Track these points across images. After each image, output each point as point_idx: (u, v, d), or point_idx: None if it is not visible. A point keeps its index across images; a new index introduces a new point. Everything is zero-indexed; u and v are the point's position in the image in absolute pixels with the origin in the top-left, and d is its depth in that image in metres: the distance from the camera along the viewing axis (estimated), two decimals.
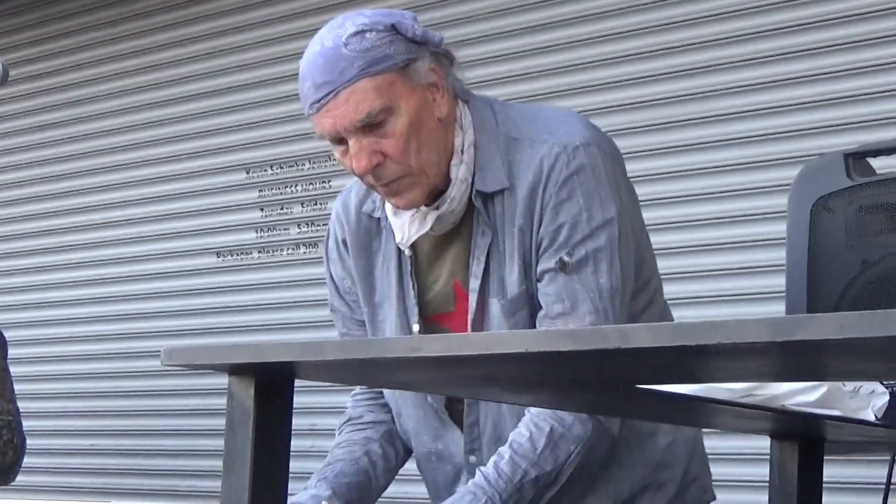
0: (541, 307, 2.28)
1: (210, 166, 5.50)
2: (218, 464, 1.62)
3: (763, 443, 2.25)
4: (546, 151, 2.26)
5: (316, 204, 5.13)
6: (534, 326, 2.27)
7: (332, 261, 2.49)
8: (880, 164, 2.83)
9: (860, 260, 2.68)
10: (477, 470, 2.27)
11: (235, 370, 1.60)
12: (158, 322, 5.54)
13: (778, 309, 3.34)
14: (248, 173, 5.39)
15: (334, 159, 5.12)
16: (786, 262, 2.79)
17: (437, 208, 2.28)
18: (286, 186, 5.27)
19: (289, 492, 1.63)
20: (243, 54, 5.45)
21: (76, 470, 5.71)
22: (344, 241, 2.45)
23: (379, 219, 2.40)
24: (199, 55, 5.59)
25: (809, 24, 4.17)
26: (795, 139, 4.14)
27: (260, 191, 5.35)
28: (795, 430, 2.11)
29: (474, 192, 2.28)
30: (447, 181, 2.28)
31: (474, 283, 2.30)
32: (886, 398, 1.99)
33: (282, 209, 5.28)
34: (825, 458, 2.19)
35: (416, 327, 2.36)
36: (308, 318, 5.06)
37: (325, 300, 5.34)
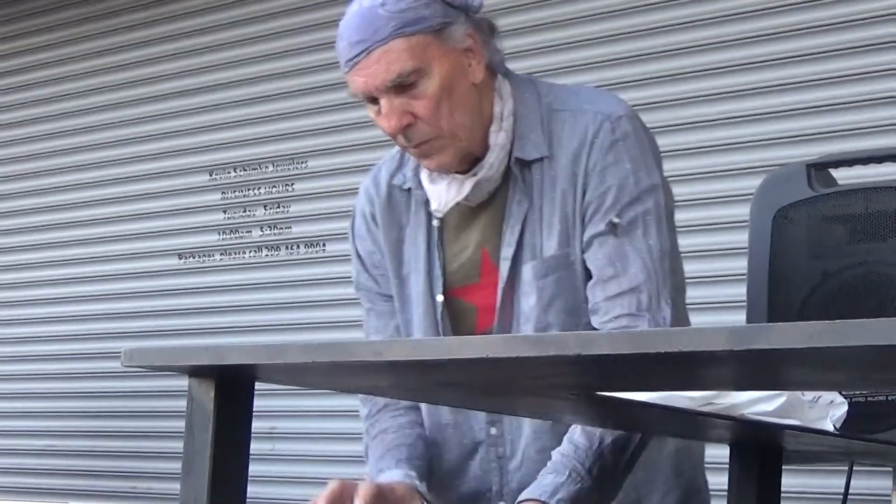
0: (590, 275, 2.28)
1: (173, 168, 5.48)
2: (177, 466, 1.61)
3: (722, 451, 2.26)
4: (590, 119, 2.29)
5: (279, 207, 5.12)
6: (572, 292, 2.28)
7: (360, 237, 2.48)
8: (842, 175, 2.84)
9: (821, 270, 2.69)
10: (552, 453, 2.25)
11: (196, 372, 1.59)
12: (119, 323, 5.52)
13: (739, 318, 3.35)
14: (211, 175, 5.38)
15: (298, 162, 5.16)
16: (747, 271, 2.80)
17: (475, 175, 2.29)
18: (249, 189, 5.26)
19: (247, 495, 1.62)
20: (208, 56, 5.44)
21: (33, 471, 5.67)
22: (373, 216, 2.44)
23: (409, 189, 2.40)
24: (163, 57, 5.57)
25: (774, 34, 4.18)
26: (758, 149, 4.15)
27: (223, 193, 5.34)
28: (754, 439, 2.12)
29: (513, 159, 2.30)
30: (484, 148, 2.29)
31: (507, 252, 2.30)
32: (845, 408, 2.00)
33: (244, 211, 5.27)
34: (784, 467, 2.20)
35: (440, 298, 2.35)
36: (269, 320, 5.05)
37: (286, 303, 5.31)
